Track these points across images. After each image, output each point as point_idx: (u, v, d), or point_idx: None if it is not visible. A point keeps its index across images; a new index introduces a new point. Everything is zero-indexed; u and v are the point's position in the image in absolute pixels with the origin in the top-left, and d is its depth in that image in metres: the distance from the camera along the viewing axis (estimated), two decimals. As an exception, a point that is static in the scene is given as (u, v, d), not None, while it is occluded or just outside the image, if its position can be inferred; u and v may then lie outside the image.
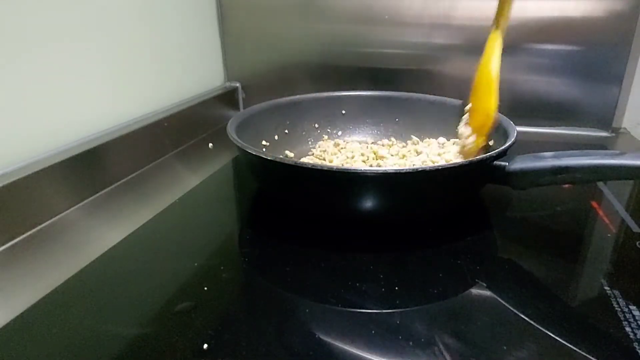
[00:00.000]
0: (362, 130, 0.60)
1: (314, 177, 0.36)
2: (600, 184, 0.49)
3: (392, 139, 0.58)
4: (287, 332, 0.28)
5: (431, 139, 0.55)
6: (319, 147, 0.56)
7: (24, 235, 0.39)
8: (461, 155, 0.48)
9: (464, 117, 0.49)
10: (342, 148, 0.55)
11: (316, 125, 0.58)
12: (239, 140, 0.41)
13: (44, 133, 0.43)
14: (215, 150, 0.61)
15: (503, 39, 0.46)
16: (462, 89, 0.68)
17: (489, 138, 0.48)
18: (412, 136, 0.56)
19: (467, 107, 0.49)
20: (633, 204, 0.45)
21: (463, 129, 0.49)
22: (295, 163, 0.37)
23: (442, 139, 0.54)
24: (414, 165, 0.48)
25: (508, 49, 0.65)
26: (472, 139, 0.47)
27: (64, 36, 0.45)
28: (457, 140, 0.50)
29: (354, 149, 0.54)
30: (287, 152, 0.54)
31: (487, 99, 0.46)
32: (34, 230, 0.39)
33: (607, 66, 0.63)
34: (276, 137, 0.54)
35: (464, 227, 0.40)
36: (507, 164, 0.37)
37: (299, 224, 0.41)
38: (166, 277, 0.34)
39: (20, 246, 0.37)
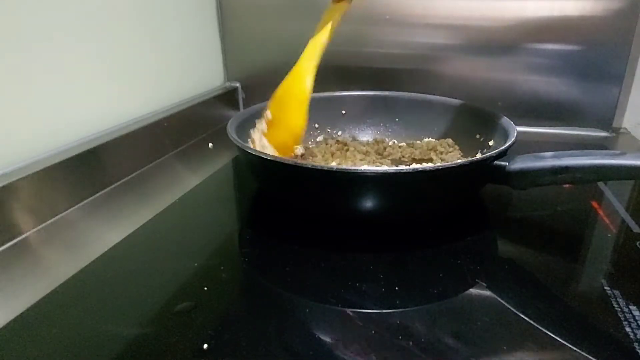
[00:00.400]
0: (362, 130, 0.60)
1: (314, 177, 0.36)
2: (601, 184, 0.49)
3: (392, 139, 0.58)
4: (287, 332, 0.28)
5: (430, 138, 0.55)
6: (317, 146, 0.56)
7: (24, 235, 0.39)
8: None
9: (259, 123, 0.44)
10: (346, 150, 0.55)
11: (316, 125, 0.58)
12: (239, 141, 0.41)
13: (44, 133, 0.43)
14: (215, 150, 0.61)
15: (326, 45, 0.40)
16: (462, 89, 0.69)
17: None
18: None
19: (267, 114, 0.43)
20: (633, 204, 0.45)
21: (259, 136, 0.42)
22: (295, 163, 0.37)
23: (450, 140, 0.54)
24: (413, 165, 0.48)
25: (508, 49, 0.66)
26: (269, 149, 0.41)
27: (64, 36, 0.45)
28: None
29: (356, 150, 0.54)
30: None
31: (295, 117, 0.40)
32: (34, 230, 0.39)
33: (607, 66, 0.63)
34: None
35: (464, 227, 0.40)
36: (507, 164, 0.37)
37: (299, 224, 0.41)
38: (166, 277, 0.33)
39: (20, 246, 0.37)
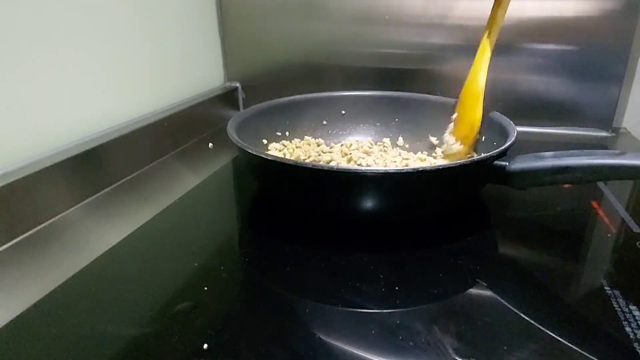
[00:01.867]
0: (361, 130, 0.60)
1: (314, 177, 0.36)
2: (601, 184, 0.49)
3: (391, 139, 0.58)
4: (287, 332, 0.28)
5: (432, 137, 0.55)
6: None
7: (24, 235, 0.38)
8: (446, 160, 0.49)
9: (449, 125, 0.50)
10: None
11: (315, 126, 0.58)
12: (239, 140, 0.41)
13: (44, 133, 0.43)
14: (215, 150, 0.61)
15: (494, 47, 0.46)
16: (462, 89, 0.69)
17: (472, 148, 0.48)
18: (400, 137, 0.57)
19: (454, 117, 0.50)
20: (633, 204, 0.45)
21: (448, 137, 0.49)
22: (296, 163, 0.37)
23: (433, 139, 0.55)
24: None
25: (508, 49, 0.66)
26: (457, 146, 0.48)
27: (64, 36, 0.45)
28: (443, 146, 0.51)
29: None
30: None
31: (472, 111, 0.47)
32: (34, 230, 0.39)
33: (607, 66, 0.63)
34: (277, 135, 0.54)
35: (464, 227, 0.40)
36: (507, 163, 0.37)
37: (299, 224, 0.41)
38: (166, 277, 0.34)
39: (20, 246, 0.37)
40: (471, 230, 0.40)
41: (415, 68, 0.70)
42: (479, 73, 0.47)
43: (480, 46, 0.47)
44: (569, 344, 0.26)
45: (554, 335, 0.27)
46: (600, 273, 0.33)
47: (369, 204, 0.36)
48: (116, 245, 0.37)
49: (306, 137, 0.57)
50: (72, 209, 0.43)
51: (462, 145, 0.48)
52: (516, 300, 0.30)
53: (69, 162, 0.43)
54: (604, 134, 0.66)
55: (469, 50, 0.67)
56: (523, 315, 0.29)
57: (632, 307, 0.29)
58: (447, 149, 0.49)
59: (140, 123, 0.54)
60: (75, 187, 0.44)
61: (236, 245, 0.39)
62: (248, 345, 0.26)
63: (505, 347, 0.26)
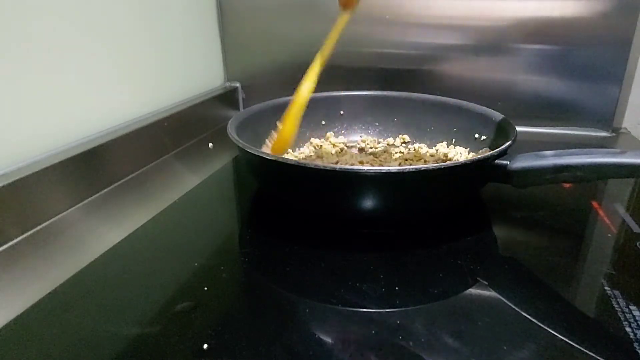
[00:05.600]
0: (361, 130, 0.60)
1: (314, 177, 0.36)
2: (601, 184, 0.49)
3: (391, 138, 0.58)
4: (287, 332, 0.28)
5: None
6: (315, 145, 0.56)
7: (24, 235, 0.38)
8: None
9: (272, 133, 0.46)
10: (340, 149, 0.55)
11: (323, 123, 0.58)
12: (239, 140, 0.41)
13: (44, 133, 0.43)
14: (215, 150, 0.61)
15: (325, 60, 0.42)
16: (462, 89, 0.69)
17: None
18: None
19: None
20: (633, 204, 0.45)
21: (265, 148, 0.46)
22: (296, 163, 0.37)
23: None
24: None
25: (508, 49, 0.66)
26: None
27: (64, 36, 0.45)
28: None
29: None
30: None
31: (289, 124, 0.42)
32: (34, 230, 0.39)
33: (607, 66, 0.63)
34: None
35: (464, 226, 0.40)
36: (508, 162, 0.37)
37: (299, 224, 0.41)
38: (166, 277, 0.33)
39: (20, 246, 0.37)
40: (471, 230, 0.40)
41: (415, 68, 0.70)
42: (305, 80, 0.42)
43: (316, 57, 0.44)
44: (569, 344, 0.26)
45: (554, 335, 0.27)
46: (600, 273, 0.33)
47: (369, 203, 0.36)
48: (116, 245, 0.37)
49: (312, 139, 0.57)
50: (72, 209, 0.43)
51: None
52: (516, 300, 0.30)
53: (69, 162, 0.43)
54: (604, 134, 0.66)
55: (469, 50, 0.68)
56: (523, 315, 0.29)
57: (632, 307, 0.29)
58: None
59: (140, 123, 0.54)
60: (75, 187, 0.44)
61: (236, 245, 0.39)
62: (248, 345, 0.26)
63: (505, 347, 0.26)
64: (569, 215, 0.43)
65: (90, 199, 0.45)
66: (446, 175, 0.36)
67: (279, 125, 0.44)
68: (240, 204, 0.47)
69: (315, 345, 0.26)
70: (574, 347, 0.26)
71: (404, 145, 0.57)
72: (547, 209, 0.44)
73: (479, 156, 0.38)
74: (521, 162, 0.37)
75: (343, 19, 0.43)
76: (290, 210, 0.42)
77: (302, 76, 0.43)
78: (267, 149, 0.46)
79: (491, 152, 0.38)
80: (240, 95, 0.78)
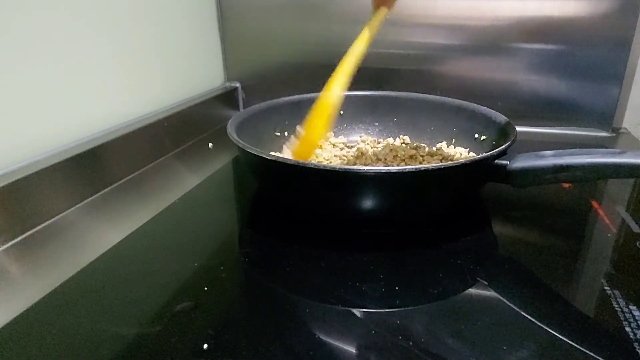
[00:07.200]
0: (361, 130, 0.60)
1: (314, 177, 0.36)
2: (601, 184, 0.49)
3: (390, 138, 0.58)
4: (287, 332, 0.28)
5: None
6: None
7: (24, 235, 0.39)
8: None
9: (292, 139, 0.46)
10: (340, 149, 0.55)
11: None
12: (239, 140, 0.41)
13: (44, 133, 0.43)
14: (215, 150, 0.61)
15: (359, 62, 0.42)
16: (462, 89, 0.69)
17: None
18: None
19: (299, 131, 0.45)
20: (633, 204, 0.45)
21: (286, 151, 0.45)
22: (296, 163, 0.37)
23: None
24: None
25: (508, 49, 0.66)
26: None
27: (64, 36, 0.45)
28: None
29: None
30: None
31: (317, 128, 0.42)
32: (34, 230, 0.39)
33: (607, 66, 0.63)
34: (277, 135, 0.54)
35: (464, 226, 0.40)
36: (508, 162, 0.37)
37: (299, 224, 0.41)
38: (166, 277, 0.33)
39: (21, 246, 0.37)
40: (471, 230, 0.40)
41: (415, 68, 0.70)
42: (334, 85, 0.41)
43: (346, 57, 0.42)
44: (569, 344, 0.26)
45: (554, 334, 0.27)
46: (600, 273, 0.33)
47: (369, 203, 0.36)
48: (116, 245, 0.37)
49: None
50: (72, 209, 0.43)
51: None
52: (516, 300, 0.30)
53: (69, 162, 0.43)
54: (604, 134, 0.66)
55: (469, 50, 0.68)
56: (523, 315, 0.29)
57: (632, 307, 0.29)
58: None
59: (140, 123, 0.54)
60: (75, 187, 0.44)
61: (236, 245, 0.39)
62: (248, 345, 0.26)
63: (505, 347, 0.26)
64: (569, 215, 0.43)
65: (90, 199, 0.45)
66: (446, 175, 0.36)
67: (300, 129, 0.43)
68: (240, 204, 0.47)
69: (315, 345, 0.26)
70: (574, 347, 0.26)
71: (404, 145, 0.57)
72: (547, 209, 0.44)
73: (478, 156, 0.38)
74: (521, 162, 0.37)
75: (380, 14, 0.42)
76: (290, 210, 0.42)
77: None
78: (286, 154, 0.45)
79: (491, 152, 0.38)
80: (240, 95, 0.78)
